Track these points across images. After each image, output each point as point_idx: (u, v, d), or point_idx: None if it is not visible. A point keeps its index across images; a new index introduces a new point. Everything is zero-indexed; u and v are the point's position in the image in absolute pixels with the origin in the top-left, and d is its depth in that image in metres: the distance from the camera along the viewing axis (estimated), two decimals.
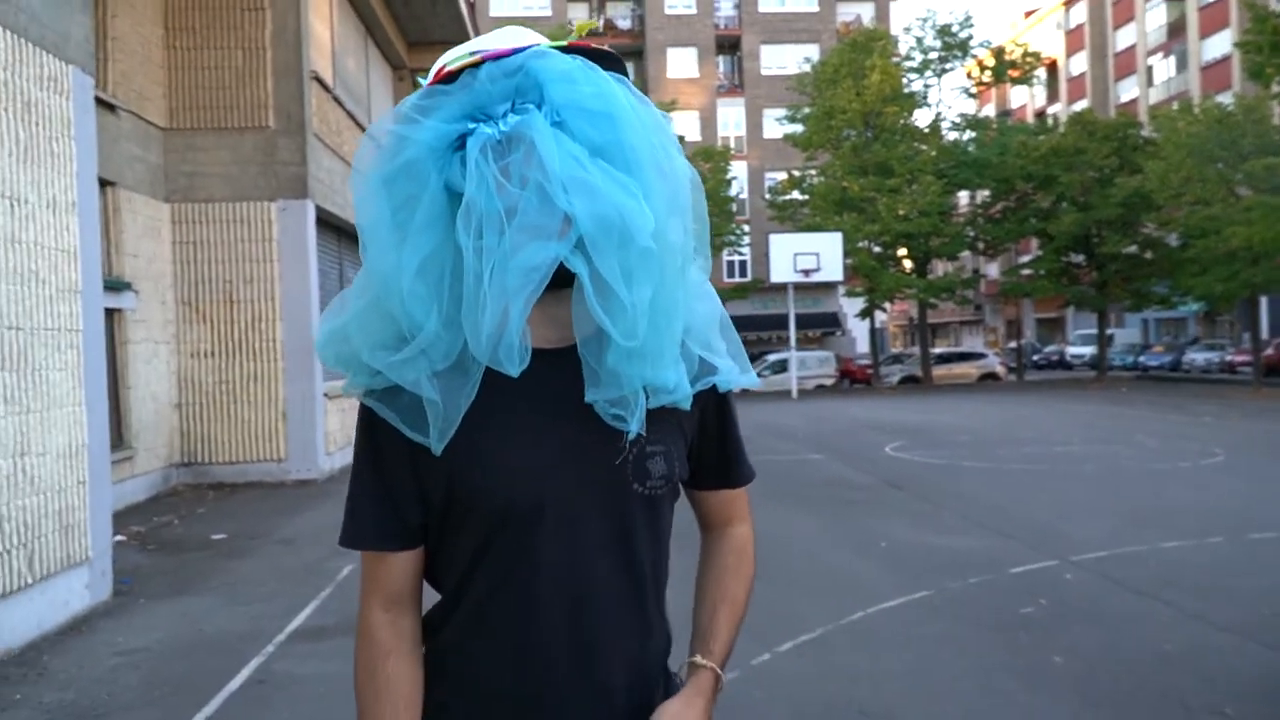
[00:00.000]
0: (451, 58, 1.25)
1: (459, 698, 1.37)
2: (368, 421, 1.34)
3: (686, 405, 1.33)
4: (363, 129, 15.60)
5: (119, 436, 10.74)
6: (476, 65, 1.21)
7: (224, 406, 12.22)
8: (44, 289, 6.06)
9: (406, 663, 1.37)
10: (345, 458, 13.73)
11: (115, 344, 10.77)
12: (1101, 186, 29.65)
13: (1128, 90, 52.15)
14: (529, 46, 1.23)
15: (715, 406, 1.44)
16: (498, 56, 1.20)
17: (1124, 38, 53.44)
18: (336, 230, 14.81)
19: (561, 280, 1.19)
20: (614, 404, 1.26)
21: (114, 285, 10.52)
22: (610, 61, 1.28)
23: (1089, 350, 47.04)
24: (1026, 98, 59.22)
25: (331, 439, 13.10)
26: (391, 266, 1.21)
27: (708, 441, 1.45)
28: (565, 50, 1.25)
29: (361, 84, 16.98)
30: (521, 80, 1.19)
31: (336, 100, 13.97)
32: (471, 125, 1.20)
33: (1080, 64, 56.84)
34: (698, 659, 1.41)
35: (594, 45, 1.29)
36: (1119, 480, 11.07)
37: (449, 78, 1.23)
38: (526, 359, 1.20)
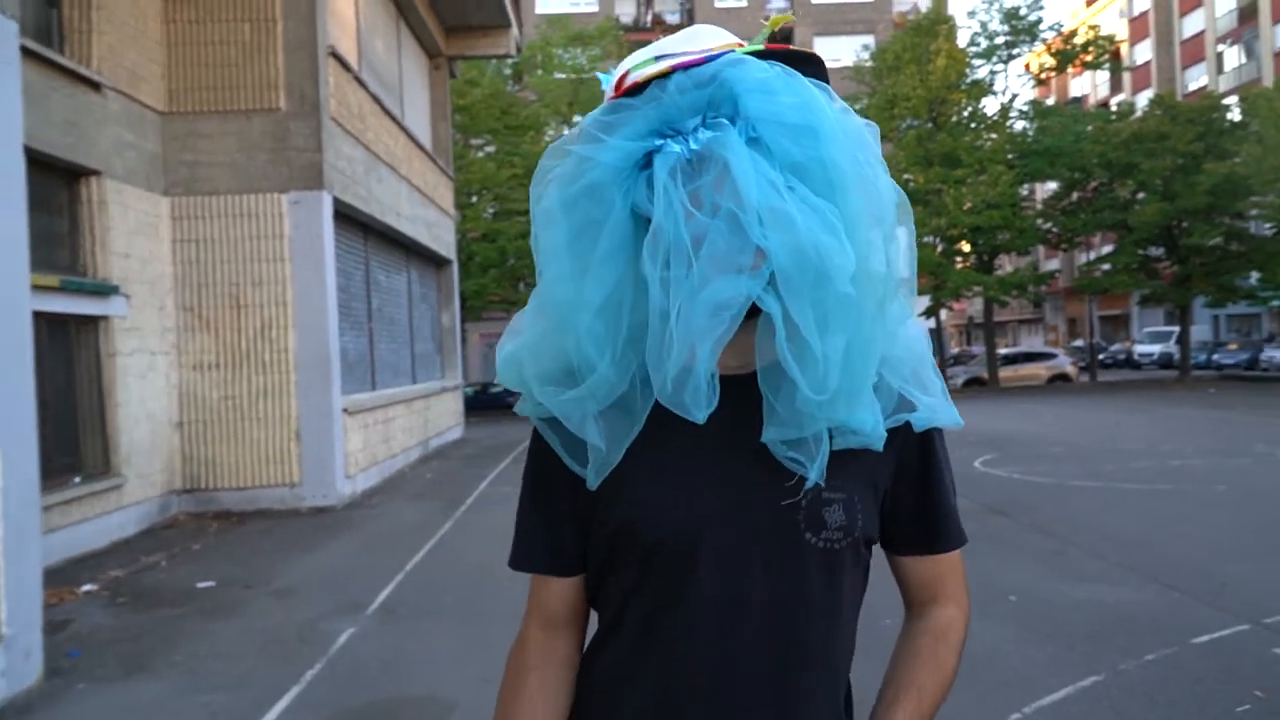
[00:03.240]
0: (635, 63, 1.18)
1: None
2: (539, 444, 1.30)
3: (879, 446, 1.19)
4: (392, 117, 14.25)
5: (105, 462, 9.43)
6: (665, 75, 1.13)
7: (230, 425, 10.87)
8: None
9: (551, 683, 1.33)
10: (367, 481, 12.35)
11: (100, 356, 9.45)
12: (1185, 174, 27.47)
13: (1195, 79, 49.70)
14: (722, 52, 1.14)
15: (917, 451, 1.28)
16: (688, 65, 1.12)
17: (1191, 24, 51.23)
18: (362, 227, 13.44)
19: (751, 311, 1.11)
20: (792, 446, 1.16)
21: (98, 289, 9.21)
22: (810, 65, 1.18)
23: (1158, 348, 44.91)
24: (1088, 88, 56.92)
25: (352, 460, 11.71)
26: (571, 300, 1.16)
27: (905, 494, 1.29)
28: (762, 54, 1.16)
29: (392, 70, 15.64)
30: (715, 92, 1.11)
31: (360, 82, 12.59)
32: (659, 142, 1.13)
33: (1145, 52, 54.41)
34: None
35: (793, 48, 1.17)
36: (1266, 504, 9.33)
37: (633, 89, 1.15)
38: (714, 404, 1.12)
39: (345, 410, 11.43)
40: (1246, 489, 10.14)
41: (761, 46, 1.18)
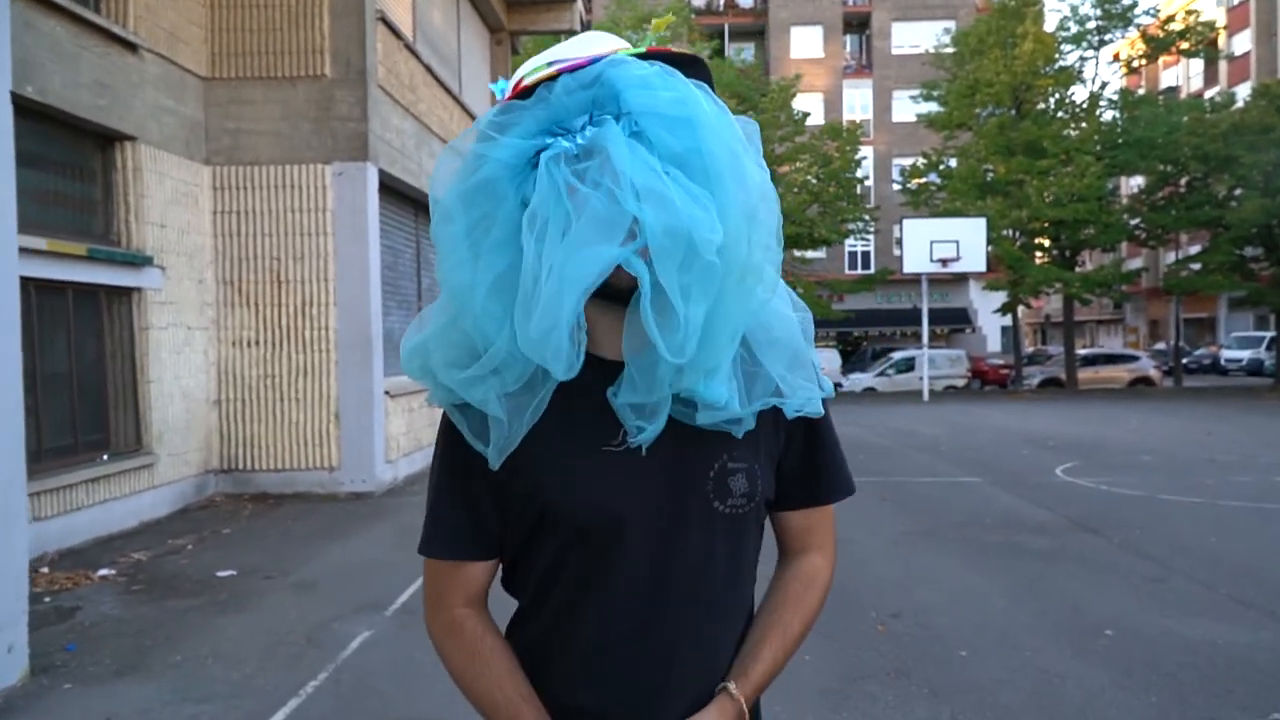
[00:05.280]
0: (528, 69, 1.26)
1: None
2: (452, 431, 1.35)
3: (738, 429, 1.30)
4: (447, 90, 13.71)
5: (136, 440, 9.03)
6: (553, 78, 1.20)
7: (269, 404, 10.43)
8: None
9: (501, 642, 1.40)
10: (410, 466, 11.85)
11: (133, 330, 9.04)
12: None
13: None
14: (606, 55, 1.22)
15: (803, 426, 1.42)
16: (574, 68, 1.20)
17: None
18: (414, 204, 12.93)
19: (632, 294, 1.19)
20: (638, 410, 1.25)
21: (130, 259, 8.79)
22: (693, 67, 1.27)
23: (1247, 354, 42.94)
24: (1181, 79, 54.61)
25: (394, 444, 11.21)
26: (465, 284, 1.22)
27: (794, 454, 1.43)
28: (644, 57, 1.23)
29: (450, 42, 15.10)
30: (599, 91, 1.19)
31: (412, 51, 12.04)
32: (549, 140, 1.20)
33: (1244, 43, 51.90)
34: (729, 686, 1.36)
35: (674, 50, 1.26)
36: None
37: (526, 92, 1.22)
38: (577, 365, 1.19)
39: (387, 393, 10.92)
40: None
41: (644, 50, 1.25)
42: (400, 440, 11.47)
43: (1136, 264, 38.88)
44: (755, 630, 1.43)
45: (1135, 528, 8.48)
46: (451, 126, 14.07)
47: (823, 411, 1.39)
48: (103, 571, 7.23)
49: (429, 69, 12.80)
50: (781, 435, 1.40)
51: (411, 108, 11.96)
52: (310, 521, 9.19)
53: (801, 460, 1.43)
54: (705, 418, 1.27)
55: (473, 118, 15.42)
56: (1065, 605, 6.15)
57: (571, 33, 20.93)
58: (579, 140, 1.18)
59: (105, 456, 8.60)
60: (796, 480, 1.44)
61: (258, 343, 10.40)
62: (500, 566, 1.43)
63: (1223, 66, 48.94)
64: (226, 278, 10.39)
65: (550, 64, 1.22)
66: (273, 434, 10.42)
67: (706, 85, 1.23)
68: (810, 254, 33.85)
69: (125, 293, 8.90)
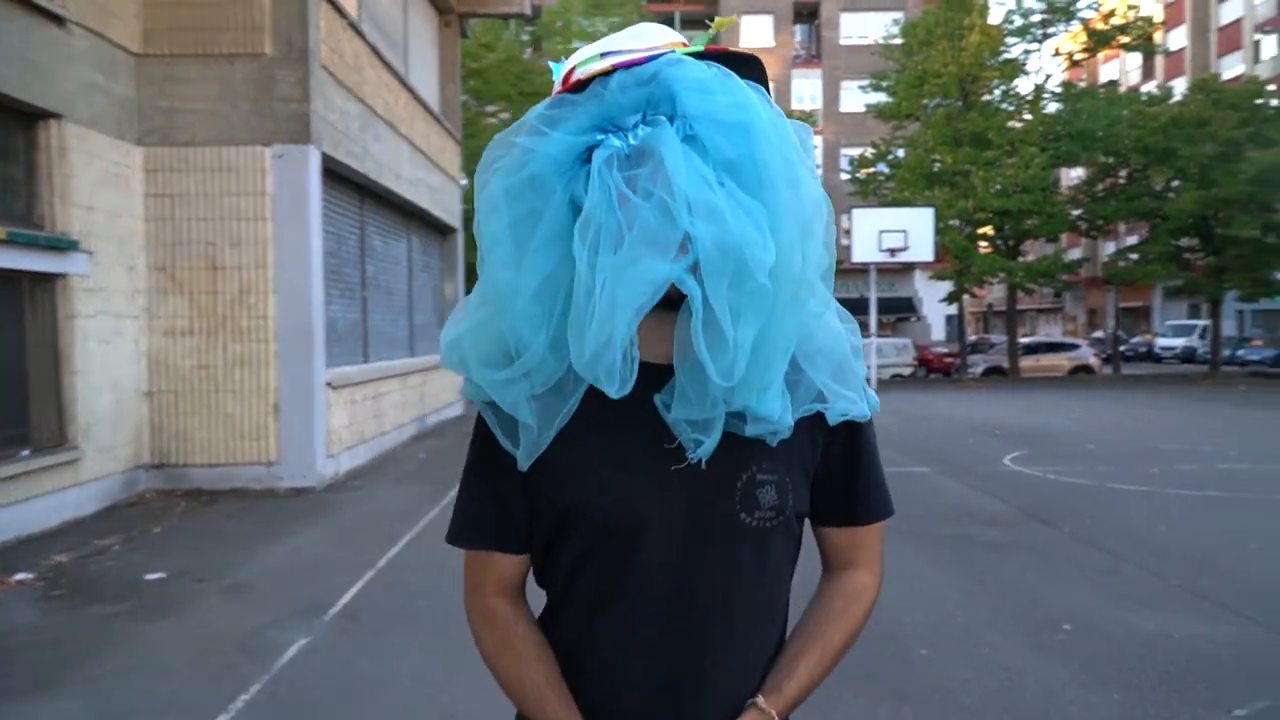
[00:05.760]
0: (581, 59, 1.22)
1: None
2: (484, 424, 1.35)
3: (774, 438, 1.29)
4: (394, 72, 13.35)
5: (59, 434, 8.63)
6: (607, 73, 1.18)
7: (204, 396, 10.04)
8: None
9: (535, 631, 1.39)
10: (353, 460, 11.53)
11: (57, 319, 8.62)
12: (1226, 161, 26.20)
13: (1230, 68, 48.11)
14: (664, 52, 1.20)
15: (844, 439, 1.39)
16: (630, 64, 1.17)
17: (1229, 11, 49.78)
18: (357, 188, 12.57)
19: (679, 301, 1.17)
20: (694, 425, 1.23)
21: (55, 243, 8.38)
22: (748, 65, 1.24)
23: (1181, 342, 43.97)
24: (1119, 73, 55.45)
25: (336, 438, 10.88)
26: (508, 284, 1.21)
27: (833, 472, 1.41)
28: (701, 55, 1.21)
29: (397, 24, 14.71)
30: (654, 90, 1.16)
31: (357, 31, 11.67)
32: (600, 137, 1.18)
33: (1179, 39, 52.87)
34: (759, 700, 1.33)
35: (732, 50, 1.23)
36: None
37: (578, 85, 1.20)
38: (630, 381, 1.17)
39: (329, 384, 10.58)
40: None
41: (702, 48, 1.22)
42: (343, 433, 11.14)
43: (1076, 254, 39.44)
44: (792, 644, 1.41)
45: (1085, 518, 8.47)
46: (398, 110, 13.71)
47: (868, 415, 1.37)
48: (19, 575, 6.86)
49: (375, 50, 12.43)
50: (819, 449, 1.38)
51: (356, 89, 11.60)
52: (247, 519, 8.86)
53: (840, 477, 1.41)
54: (754, 429, 1.26)
55: (420, 101, 15.09)
56: (1022, 599, 6.07)
57: (521, 16, 20.59)
58: (631, 140, 1.16)
59: (26, 452, 8.19)
60: (834, 497, 1.42)
61: (192, 332, 10.00)
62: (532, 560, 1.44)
63: (1159, 61, 49.80)
64: (159, 264, 9.98)
65: (604, 55, 1.20)
66: (208, 427, 10.05)
67: (762, 87, 1.22)
68: None
69: (49, 279, 8.48)
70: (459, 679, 4.66)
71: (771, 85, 1.28)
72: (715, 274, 1.12)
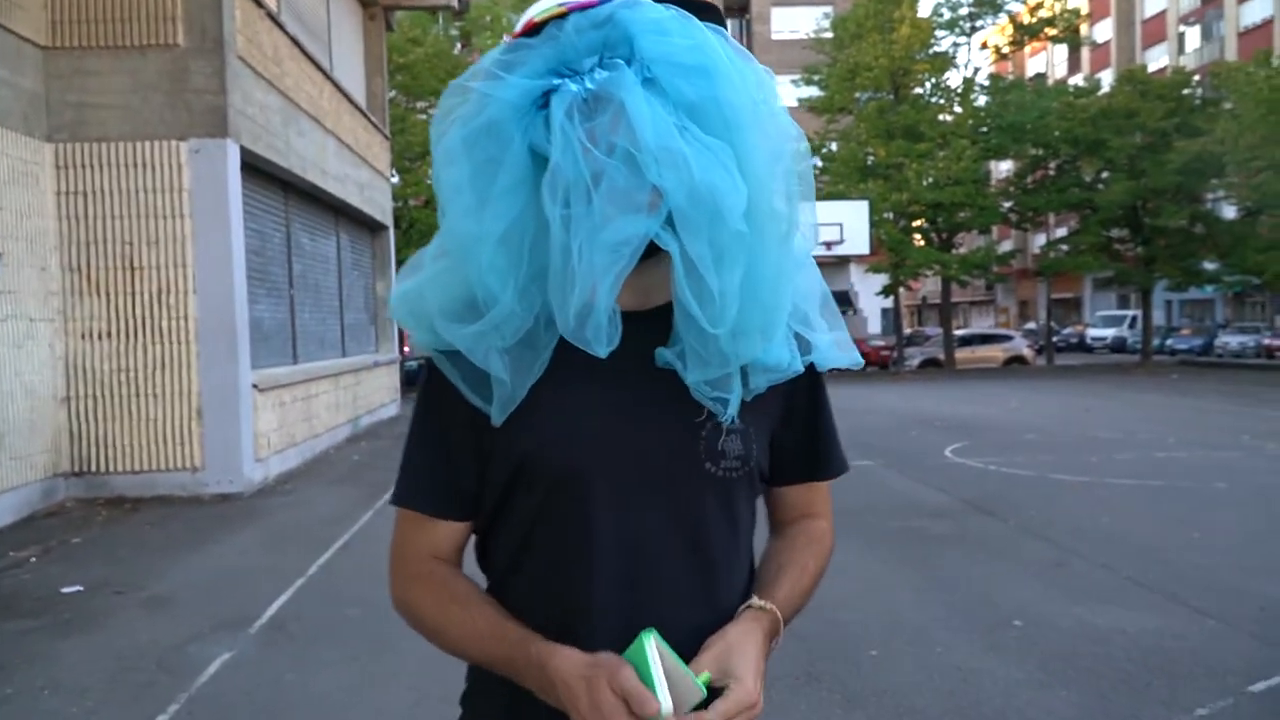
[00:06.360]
0: (538, 9, 1.17)
1: None
2: (435, 379, 1.28)
3: (793, 374, 1.27)
4: (316, 65, 12.94)
5: None
6: (563, 16, 1.13)
7: (124, 401, 9.62)
8: None
9: (476, 586, 1.31)
10: (283, 464, 11.15)
11: None
12: (1154, 152, 26.71)
13: (1156, 59, 49.23)
14: None
15: (806, 388, 1.36)
16: (585, 6, 1.13)
17: (1153, 4, 50.95)
18: (281, 184, 12.17)
19: (645, 250, 1.12)
20: (714, 385, 1.20)
21: None
22: (707, 12, 1.19)
23: (1111, 332, 44.98)
24: (1046, 66, 56.47)
25: (263, 441, 10.49)
26: (472, 233, 1.17)
27: (795, 427, 1.38)
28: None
29: (319, 15, 14.30)
30: (610, 32, 1.12)
31: (275, 21, 11.27)
32: (557, 81, 1.13)
33: (1105, 31, 53.96)
34: (756, 601, 1.26)
35: None
36: (1275, 502, 8.52)
37: (534, 30, 1.16)
38: (616, 339, 1.15)
39: (255, 386, 10.20)
40: (1250, 487, 9.29)
41: None
42: (271, 437, 10.76)
43: (1008, 246, 40.01)
44: (769, 567, 1.35)
45: (1030, 509, 8.44)
46: (322, 104, 13.31)
47: (860, 362, 1.36)
48: None
49: (295, 41, 12.03)
50: (783, 405, 1.34)
51: (277, 82, 11.20)
52: (170, 527, 8.48)
53: (803, 434, 1.39)
54: (761, 380, 1.24)
55: (345, 95, 14.69)
56: (971, 595, 5.98)
57: (449, 9, 20.23)
58: (588, 84, 1.12)
59: None
60: (798, 454, 1.40)
61: (110, 334, 9.57)
62: (474, 538, 1.37)
63: (1085, 54, 50.77)
64: (73, 264, 9.52)
65: (561, 3, 1.16)
66: (129, 433, 9.63)
67: (723, 31, 1.17)
68: None
69: None
70: (391, 690, 4.41)
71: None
72: (690, 224, 1.09)
